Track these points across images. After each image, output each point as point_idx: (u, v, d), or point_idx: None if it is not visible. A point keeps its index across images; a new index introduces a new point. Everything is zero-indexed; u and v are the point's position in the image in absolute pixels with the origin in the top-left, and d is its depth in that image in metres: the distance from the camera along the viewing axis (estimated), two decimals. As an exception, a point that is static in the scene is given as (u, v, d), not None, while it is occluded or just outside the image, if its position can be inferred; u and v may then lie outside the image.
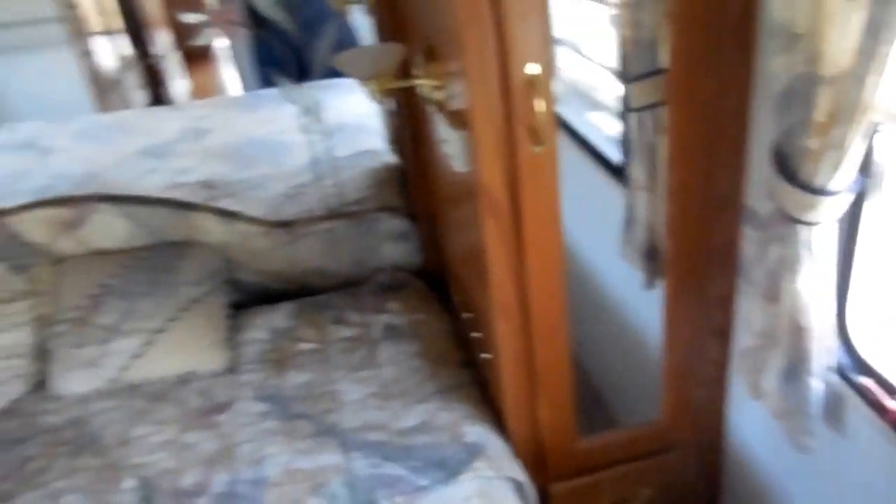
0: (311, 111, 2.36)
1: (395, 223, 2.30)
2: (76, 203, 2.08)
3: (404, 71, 1.60)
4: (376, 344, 1.97)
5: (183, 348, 1.93)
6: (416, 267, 2.33)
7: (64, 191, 2.94)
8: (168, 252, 2.08)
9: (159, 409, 1.81)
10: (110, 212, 2.08)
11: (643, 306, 2.00)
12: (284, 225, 2.25)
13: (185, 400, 1.84)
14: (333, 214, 2.37)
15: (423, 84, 1.48)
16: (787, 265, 1.06)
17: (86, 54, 4.23)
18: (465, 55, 1.13)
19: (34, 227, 2.06)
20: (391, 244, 2.31)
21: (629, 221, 1.74)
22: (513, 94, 1.16)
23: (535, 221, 1.30)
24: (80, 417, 1.81)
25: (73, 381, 1.88)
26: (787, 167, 0.99)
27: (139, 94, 5.05)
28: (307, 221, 2.30)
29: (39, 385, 1.94)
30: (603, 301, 2.24)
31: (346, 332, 2.04)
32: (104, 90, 4.42)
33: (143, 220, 2.10)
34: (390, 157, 2.93)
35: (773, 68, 0.95)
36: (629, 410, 2.22)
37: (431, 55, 1.46)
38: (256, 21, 3.86)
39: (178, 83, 5.73)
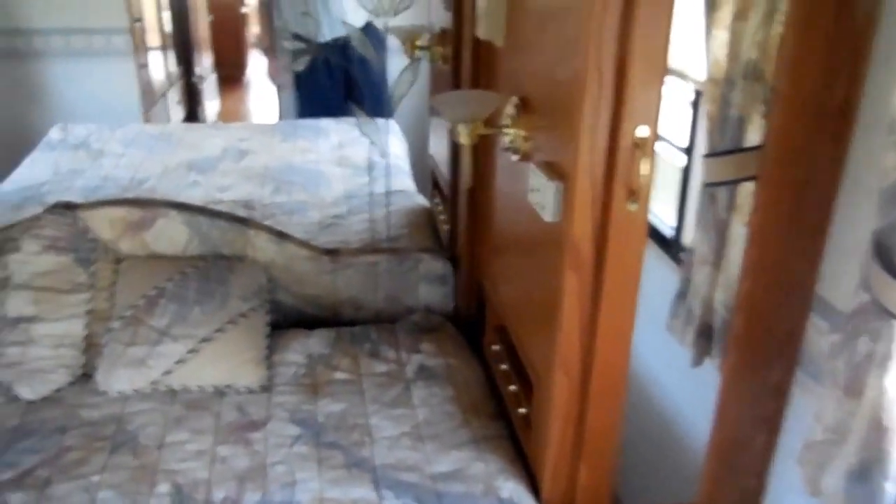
0: (380, 146, 2.42)
1: (436, 265, 2.34)
2: (146, 206, 2.12)
3: (489, 119, 1.66)
4: (410, 383, 1.98)
5: (225, 360, 1.93)
6: (448, 312, 2.35)
7: (113, 193, 3.01)
8: (221, 264, 2.11)
9: (196, 418, 1.81)
10: (175, 218, 2.12)
11: (683, 384, 2.01)
12: (330, 253, 2.29)
13: (221, 412, 1.85)
14: (377, 249, 2.41)
15: (513, 133, 1.53)
16: (876, 361, 1.07)
17: (142, 66, 4.35)
18: (580, 113, 1.18)
19: (103, 224, 2.09)
20: (428, 286, 2.34)
21: (682, 295, 1.77)
22: (618, 153, 1.20)
23: (615, 279, 1.33)
24: (121, 415, 1.81)
25: (119, 378, 1.88)
26: (891, 261, 1.01)
27: (177, 110, 5.18)
28: (352, 252, 2.34)
29: (84, 378, 1.95)
30: (638, 372, 2.25)
31: (381, 367, 2.05)
32: (150, 102, 4.52)
33: (203, 231, 2.14)
34: (422, 200, 2.99)
35: (887, 162, 0.99)
36: (653, 488, 2.21)
37: (526, 106, 1.51)
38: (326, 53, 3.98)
39: (210, 104, 5.88)
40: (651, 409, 2.09)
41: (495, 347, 1.95)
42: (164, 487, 1.60)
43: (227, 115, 6.28)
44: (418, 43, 2.30)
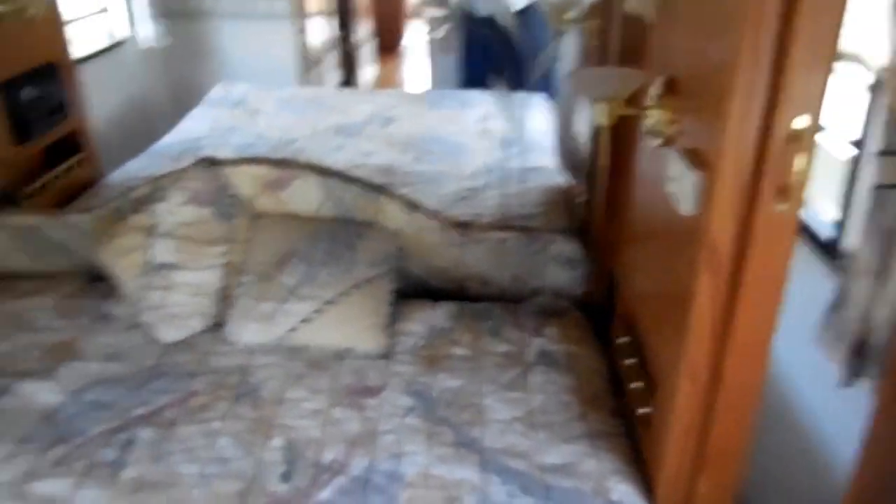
0: (517, 120, 2.34)
1: (567, 248, 2.24)
2: (286, 167, 2.17)
3: (632, 99, 1.55)
4: (529, 367, 1.92)
5: (347, 324, 1.96)
6: (576, 297, 2.26)
7: (263, 150, 3.13)
8: (352, 229, 2.13)
9: (315, 378, 1.85)
10: (312, 180, 2.16)
11: (827, 404, 1.82)
12: (460, 226, 2.25)
13: (339, 375, 1.87)
14: (507, 225, 2.35)
15: (656, 115, 1.41)
16: None
17: (301, 31, 4.49)
18: (732, 97, 1.06)
19: (244, 181, 2.16)
20: (557, 268, 2.25)
21: (837, 307, 1.58)
22: (771, 145, 1.07)
23: (756, 285, 1.20)
24: (246, 366, 1.89)
25: (247, 331, 1.96)
26: None
27: (332, 75, 5.31)
28: (481, 227, 2.29)
29: (216, 327, 2.04)
30: (776, 384, 2.07)
31: (501, 346, 2.00)
32: (308, 66, 4.67)
33: (337, 194, 2.16)
34: (562, 179, 2.89)
35: None
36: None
37: (672, 87, 1.39)
38: (473, 25, 3.95)
39: (367, 70, 5.98)
40: (788, 426, 1.91)
41: (622, 340, 1.85)
42: (277, 442, 1.64)
43: (382, 83, 6.40)
44: (566, 17, 2.19)
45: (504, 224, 2.39)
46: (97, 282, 2.23)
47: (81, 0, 3.73)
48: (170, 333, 2.00)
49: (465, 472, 1.57)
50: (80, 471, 1.56)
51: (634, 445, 1.67)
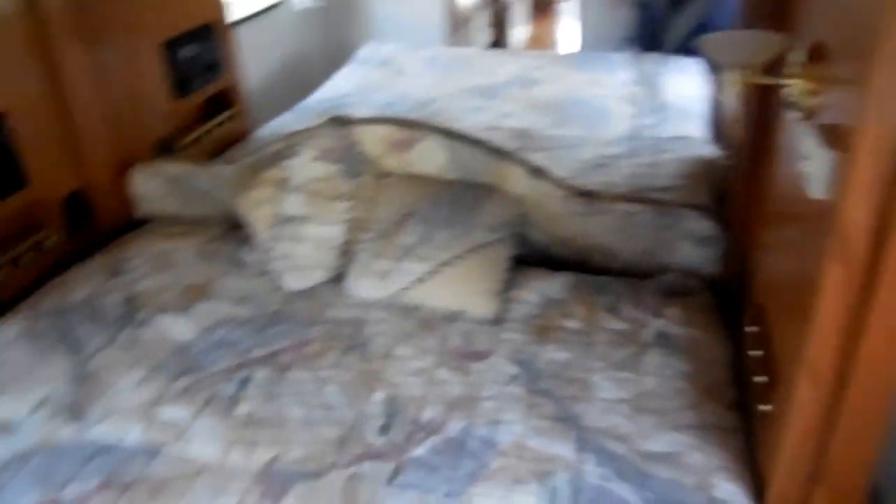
0: (649, 83, 2.22)
1: (702, 225, 2.11)
2: (412, 127, 2.19)
3: (771, 66, 1.40)
4: (645, 348, 1.83)
5: (461, 286, 1.96)
6: (707, 278, 2.12)
7: (403, 109, 3.17)
8: (474, 192, 2.11)
9: (423, 338, 1.87)
10: (437, 142, 2.16)
11: None
12: (586, 195, 2.17)
13: (448, 336, 1.88)
14: (637, 197, 2.24)
15: (797, 85, 1.28)
16: None
17: (452, -10, 4.49)
18: (878, 63, 0.92)
19: (371, 141, 2.20)
20: (690, 245, 2.12)
21: None
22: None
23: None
24: (359, 319, 1.94)
25: (364, 286, 2.01)
26: None
27: (482, 35, 5.27)
28: (608, 198, 2.19)
29: (336, 279, 2.11)
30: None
31: (617, 324, 1.92)
32: (456, 25, 4.66)
33: (461, 157, 2.15)
34: (708, 150, 2.71)
35: None
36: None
37: (818, 54, 1.24)
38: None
39: (518, 30, 5.87)
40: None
41: (751, 329, 1.72)
42: (380, 395, 1.68)
43: (533, 43, 6.27)
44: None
45: (635, 196, 2.28)
46: (236, 229, 2.36)
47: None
48: (294, 282, 2.09)
49: (561, 448, 1.54)
50: (200, 401, 1.68)
51: (750, 444, 1.56)
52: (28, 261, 2.16)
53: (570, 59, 3.89)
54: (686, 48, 3.61)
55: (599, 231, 2.16)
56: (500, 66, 3.71)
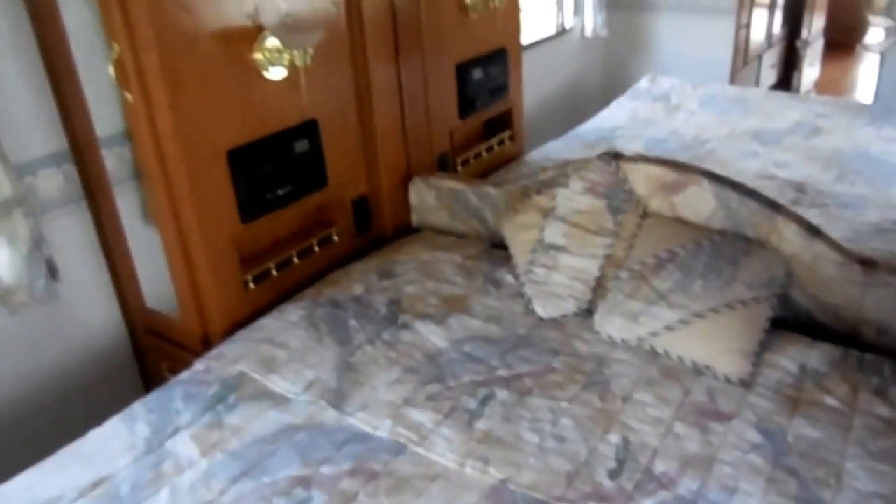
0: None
1: None
2: (685, 171, 2.17)
3: None
4: (915, 442, 1.65)
5: (712, 341, 1.90)
6: None
7: (674, 147, 3.14)
8: (739, 244, 2.04)
9: (666, 386, 1.86)
10: (707, 188, 2.12)
11: None
12: (867, 263, 1.99)
13: (691, 390, 1.85)
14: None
15: None
16: None
17: (743, 27, 4.30)
18: None
19: (640, 179, 2.22)
20: None
21: None
22: None
23: None
24: (603, 357, 1.98)
25: (612, 324, 2.04)
26: None
27: (769, 73, 4.96)
28: (892, 269, 1.98)
29: (585, 313, 2.16)
30: None
31: (883, 410, 1.75)
32: (743, 62, 4.46)
33: (731, 206, 2.09)
34: None
35: None
36: None
37: None
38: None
39: (808, 72, 5.44)
40: None
41: None
42: (614, 438, 1.70)
43: (824, 86, 5.78)
44: None
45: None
46: (496, 248, 2.51)
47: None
48: (545, 309, 2.17)
49: (800, 532, 1.44)
50: (445, 410, 1.82)
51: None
52: (317, 253, 2.48)
53: (862, 109, 3.57)
54: None
55: (876, 304, 1.97)
56: (783, 111, 3.51)
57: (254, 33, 2.09)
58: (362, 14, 2.41)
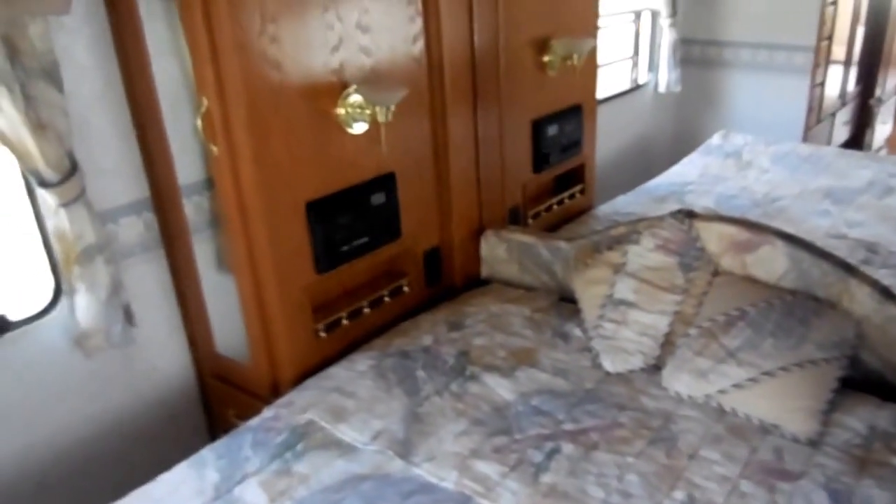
0: None
1: None
2: (757, 231, 2.19)
3: None
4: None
5: (781, 400, 1.90)
6: None
7: (744, 204, 3.13)
8: (809, 304, 2.04)
9: (733, 444, 1.86)
10: (780, 248, 2.13)
11: None
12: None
13: (758, 448, 1.84)
14: None
15: None
16: None
17: (818, 85, 4.27)
18: None
19: (713, 237, 2.24)
20: None
21: None
22: None
23: None
24: (670, 413, 1.99)
25: (680, 381, 2.05)
26: None
27: (841, 130, 4.89)
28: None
29: (653, 369, 2.18)
30: None
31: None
32: (815, 120, 4.42)
33: (803, 267, 2.10)
34: None
35: None
36: None
37: None
38: None
39: (880, 129, 5.33)
40: None
41: None
42: (679, 494, 1.71)
43: (896, 145, 5.65)
44: None
45: None
46: (565, 301, 2.55)
47: (616, 48, 4.20)
48: (613, 364, 2.20)
49: None
50: (511, 462, 1.85)
51: None
52: (387, 303, 2.54)
53: (939, 169, 3.48)
54: None
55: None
56: (856, 169, 3.47)
57: (338, 89, 2.14)
58: (444, 70, 2.47)
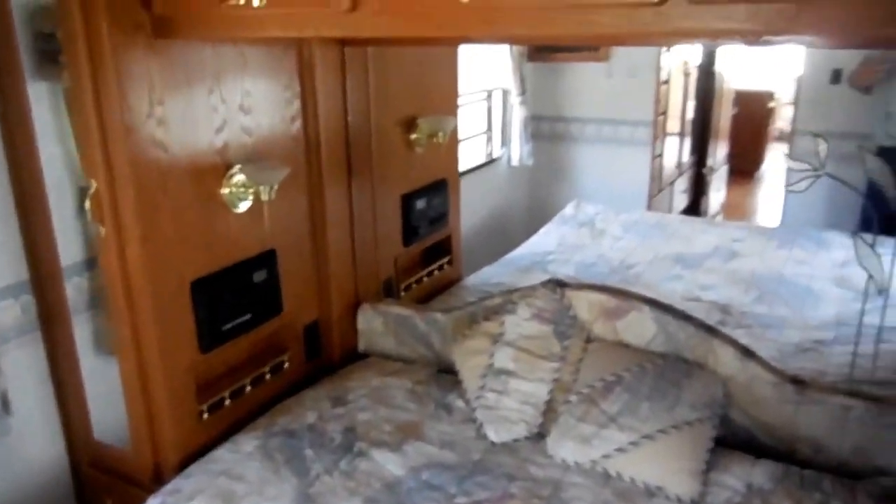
0: (872, 266, 2.19)
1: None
2: (624, 297, 2.31)
3: None
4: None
5: (662, 462, 1.98)
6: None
7: (603, 271, 3.31)
8: (679, 366, 2.16)
9: (621, 510, 1.90)
10: (646, 314, 2.26)
11: None
12: (798, 383, 2.13)
13: (648, 513, 1.90)
14: (854, 391, 2.17)
15: None
16: None
17: (657, 156, 4.69)
18: None
19: (583, 305, 2.34)
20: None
21: None
22: None
23: None
24: (558, 481, 2.01)
25: (565, 448, 2.09)
26: None
27: (680, 198, 5.38)
28: (823, 389, 2.14)
29: (537, 437, 2.20)
30: None
31: (828, 526, 1.84)
32: (656, 189, 4.83)
33: (669, 330, 2.23)
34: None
35: None
36: None
37: None
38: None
39: (714, 196, 5.93)
40: None
41: None
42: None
43: (730, 210, 6.29)
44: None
45: (852, 389, 2.21)
46: (443, 373, 2.55)
47: (471, 124, 4.39)
48: (497, 434, 2.21)
49: None
50: (408, 541, 1.80)
51: None
52: (268, 380, 2.46)
53: (772, 233, 3.88)
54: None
55: (809, 422, 2.10)
56: (700, 235, 3.78)
57: (222, 169, 2.18)
58: (320, 148, 2.53)
